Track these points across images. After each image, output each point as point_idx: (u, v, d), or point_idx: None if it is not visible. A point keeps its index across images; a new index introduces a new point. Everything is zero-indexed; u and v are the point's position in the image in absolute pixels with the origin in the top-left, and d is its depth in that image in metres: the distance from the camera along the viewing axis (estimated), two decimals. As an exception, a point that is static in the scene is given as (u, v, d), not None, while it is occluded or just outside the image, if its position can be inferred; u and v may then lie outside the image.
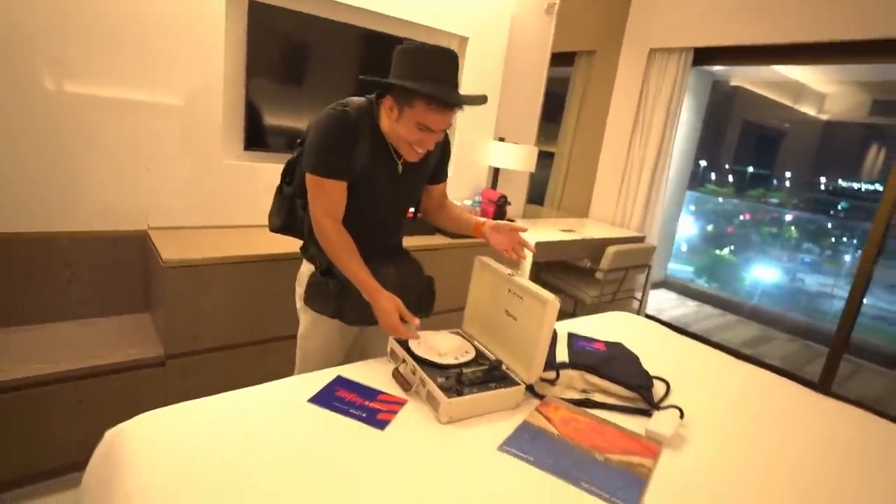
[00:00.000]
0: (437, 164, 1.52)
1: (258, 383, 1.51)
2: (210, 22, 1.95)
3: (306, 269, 1.49)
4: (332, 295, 1.39)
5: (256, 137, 2.21)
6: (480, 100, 1.34)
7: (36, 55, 1.69)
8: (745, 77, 5.14)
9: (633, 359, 1.53)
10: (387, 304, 1.30)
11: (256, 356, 1.98)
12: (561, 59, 3.35)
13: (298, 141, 1.42)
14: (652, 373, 1.47)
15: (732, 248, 6.02)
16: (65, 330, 1.84)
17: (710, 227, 6.12)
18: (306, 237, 1.48)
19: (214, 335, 1.86)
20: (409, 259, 1.57)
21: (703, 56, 3.40)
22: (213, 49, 1.99)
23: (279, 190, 1.51)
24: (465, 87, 2.78)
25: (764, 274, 5.67)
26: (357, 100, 1.33)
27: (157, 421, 1.06)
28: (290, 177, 1.46)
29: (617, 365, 1.45)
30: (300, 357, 1.54)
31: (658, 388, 1.43)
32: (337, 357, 1.54)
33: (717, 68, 4.67)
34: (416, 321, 1.35)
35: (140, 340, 1.84)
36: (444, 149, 1.53)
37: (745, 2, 3.10)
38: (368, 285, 1.32)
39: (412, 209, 1.61)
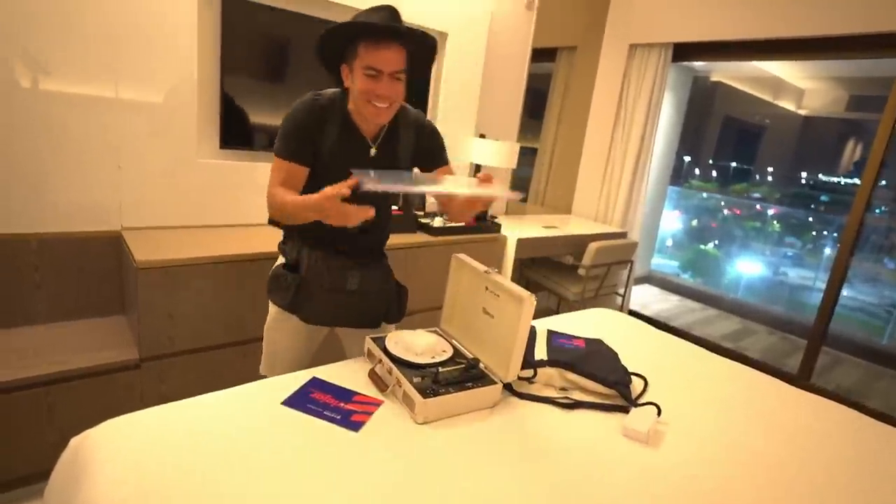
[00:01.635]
0: (424, 150, 1.46)
1: (236, 385, 1.49)
2: (182, 17, 1.91)
3: (277, 262, 1.48)
4: (290, 288, 1.38)
5: (233, 135, 2.17)
6: (420, 34, 1.28)
7: (4, 49, 1.64)
8: (725, 73, 5.18)
9: (612, 355, 1.53)
10: (321, 200, 1.12)
11: (234, 357, 1.95)
12: (542, 54, 3.34)
13: None
14: (631, 369, 1.47)
15: (717, 242, 6.09)
16: (34, 334, 1.80)
17: (694, 223, 6.19)
18: (284, 230, 1.47)
19: (191, 337, 1.83)
20: (380, 265, 1.51)
21: (684, 51, 3.41)
22: (186, 45, 1.94)
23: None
24: (445, 81, 2.77)
25: (747, 268, 5.75)
26: (331, 90, 1.35)
27: (124, 426, 1.03)
28: None
29: (595, 362, 1.45)
30: (266, 350, 1.53)
31: (636, 385, 1.43)
32: (304, 355, 1.53)
33: (697, 64, 4.71)
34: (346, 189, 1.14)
35: (114, 343, 1.80)
36: (424, 132, 1.46)
37: (723, -2, 3.11)
38: (303, 201, 1.18)
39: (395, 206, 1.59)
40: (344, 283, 1.41)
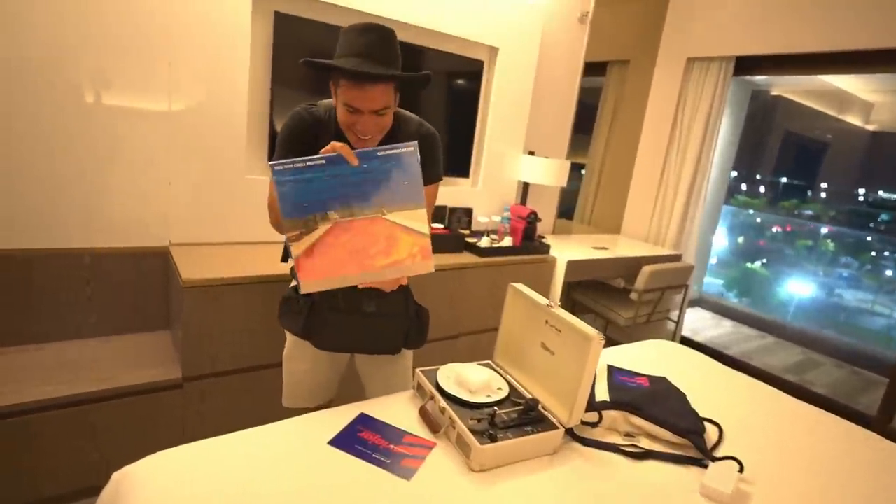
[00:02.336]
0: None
1: (276, 406, 1.44)
2: (236, 33, 1.91)
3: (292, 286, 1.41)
4: (302, 312, 1.30)
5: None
6: (391, 77, 1.15)
7: (66, 67, 1.66)
8: (786, 86, 4.92)
9: (680, 397, 1.40)
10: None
11: (275, 378, 1.89)
12: (592, 68, 3.23)
13: None
14: (700, 413, 1.34)
15: (765, 261, 5.76)
16: (83, 348, 1.80)
17: (740, 240, 5.88)
18: None
19: (233, 357, 1.80)
20: (403, 292, 1.37)
21: (745, 65, 3.23)
22: (240, 60, 1.94)
23: None
24: (494, 97, 2.69)
25: (799, 288, 5.41)
26: (327, 101, 1.29)
27: (165, 463, 0.98)
28: None
29: (662, 404, 1.33)
30: (287, 381, 1.46)
31: (710, 433, 1.30)
32: (327, 383, 1.46)
33: (757, 78, 4.48)
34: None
35: (158, 361, 1.78)
36: (424, 142, 1.33)
37: (789, 8, 2.94)
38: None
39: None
40: (360, 305, 1.30)
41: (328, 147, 1.04)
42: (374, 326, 1.34)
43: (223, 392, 1.80)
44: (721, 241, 5.74)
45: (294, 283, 1.39)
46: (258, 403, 1.88)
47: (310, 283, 1.08)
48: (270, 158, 2.12)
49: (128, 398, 1.63)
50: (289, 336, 1.42)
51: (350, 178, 1.05)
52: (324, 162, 1.03)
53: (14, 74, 1.60)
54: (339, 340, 1.34)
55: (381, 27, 1.17)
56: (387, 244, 1.09)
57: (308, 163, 1.03)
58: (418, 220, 1.10)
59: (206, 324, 1.71)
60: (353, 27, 1.18)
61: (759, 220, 5.82)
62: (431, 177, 1.39)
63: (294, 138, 1.25)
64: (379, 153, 1.05)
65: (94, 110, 1.74)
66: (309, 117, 1.26)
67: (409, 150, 1.06)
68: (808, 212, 5.72)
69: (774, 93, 5.11)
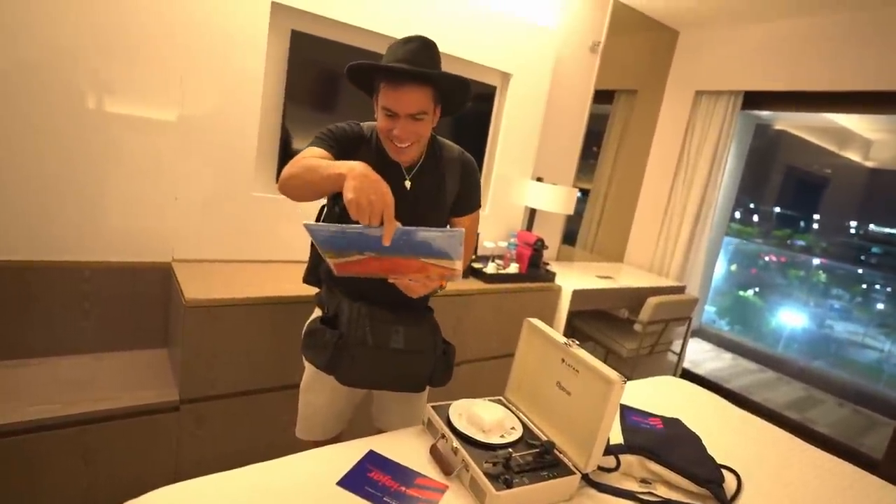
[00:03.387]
0: (458, 190, 1.35)
1: (276, 432, 1.39)
2: (252, 49, 1.89)
3: (314, 315, 1.37)
4: (329, 347, 1.24)
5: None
6: (441, 76, 1.16)
7: (72, 73, 1.64)
8: (790, 121, 4.97)
9: (696, 441, 1.36)
10: (361, 167, 1.02)
11: (275, 403, 1.84)
12: (599, 96, 3.24)
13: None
14: (716, 456, 1.30)
15: (757, 290, 5.76)
16: (79, 364, 1.75)
17: (733, 267, 5.88)
18: (323, 282, 1.38)
19: (233, 380, 1.74)
20: (426, 320, 1.34)
21: (753, 100, 3.26)
22: (254, 76, 1.92)
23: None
24: (505, 122, 2.69)
25: (790, 318, 5.40)
26: (371, 122, 1.29)
27: (169, 499, 0.93)
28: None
29: (678, 449, 1.29)
30: (302, 413, 1.42)
31: (729, 482, 1.25)
32: (343, 415, 1.43)
33: (762, 112, 4.53)
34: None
35: (155, 381, 1.73)
36: (463, 171, 1.35)
37: (797, 47, 2.97)
38: (332, 163, 1.07)
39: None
40: (388, 340, 1.24)
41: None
42: (401, 363, 1.28)
43: (221, 415, 1.75)
44: (715, 268, 5.75)
45: (318, 313, 1.36)
46: (257, 428, 1.82)
47: (343, 274, 1.14)
48: (279, 176, 2.10)
49: (124, 420, 1.58)
50: (309, 367, 1.37)
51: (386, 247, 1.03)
52: (360, 232, 1.00)
53: (15, 82, 1.57)
54: (365, 376, 1.28)
55: (423, 38, 1.18)
56: (419, 271, 1.14)
57: (346, 230, 1.01)
58: (443, 264, 1.12)
59: (207, 344, 1.66)
60: (398, 40, 1.20)
61: (752, 248, 5.84)
62: (473, 206, 1.41)
63: (343, 136, 1.23)
64: (419, 235, 1.02)
65: (100, 121, 1.71)
66: (356, 129, 1.27)
67: (455, 236, 1.04)
68: (801, 243, 5.75)
69: (777, 127, 5.16)
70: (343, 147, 1.22)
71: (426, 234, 1.02)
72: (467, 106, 1.29)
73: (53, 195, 1.68)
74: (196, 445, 1.72)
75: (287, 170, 1.14)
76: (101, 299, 1.81)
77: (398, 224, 1.00)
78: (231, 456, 1.75)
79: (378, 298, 1.26)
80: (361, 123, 1.30)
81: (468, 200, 1.38)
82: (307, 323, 1.35)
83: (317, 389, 1.38)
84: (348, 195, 0.97)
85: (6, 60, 1.54)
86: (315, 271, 1.41)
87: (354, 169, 1.01)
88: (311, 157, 1.13)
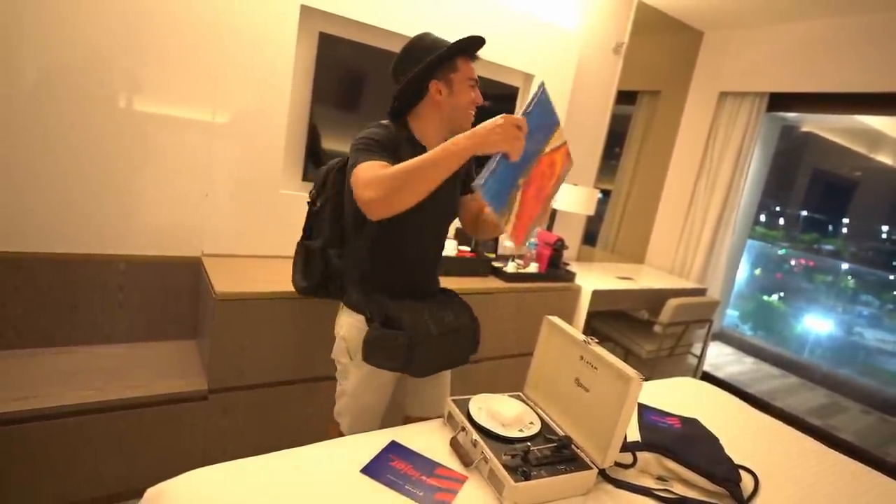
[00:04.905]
0: (467, 169, 1.43)
1: (301, 422, 1.43)
2: (282, 50, 1.95)
3: (349, 320, 1.38)
4: (402, 347, 1.27)
5: (316, 168, 2.18)
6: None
7: (109, 76, 1.71)
8: (818, 123, 4.88)
9: (713, 441, 1.37)
10: (494, 123, 1.09)
11: (300, 395, 1.90)
12: (621, 96, 3.23)
13: (311, 192, 1.48)
14: (733, 457, 1.30)
15: (782, 294, 5.64)
16: (112, 354, 1.82)
17: (757, 271, 5.77)
18: (348, 285, 1.42)
19: (259, 371, 1.80)
20: (456, 297, 1.50)
21: (778, 102, 3.22)
22: (283, 77, 1.98)
23: (303, 248, 1.53)
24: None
25: (816, 324, 5.28)
26: (385, 123, 1.35)
27: (199, 481, 0.98)
28: (310, 230, 1.52)
29: (696, 448, 1.30)
30: (352, 414, 1.42)
31: (746, 482, 1.26)
32: (385, 406, 1.47)
33: (788, 114, 4.45)
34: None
35: (185, 371, 1.79)
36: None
37: (824, 48, 2.92)
38: (451, 152, 1.09)
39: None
40: (444, 325, 1.35)
41: (497, 118, 1.10)
42: (457, 341, 1.40)
43: (247, 405, 1.81)
44: (738, 272, 5.67)
45: (358, 317, 1.36)
46: (282, 418, 1.88)
47: (521, 243, 1.24)
48: (305, 173, 2.16)
49: (155, 407, 1.64)
50: (360, 371, 1.37)
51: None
52: (500, 155, 1.09)
53: (55, 84, 1.64)
54: (433, 364, 1.38)
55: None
56: (551, 169, 1.31)
57: (493, 163, 1.08)
58: (558, 138, 1.33)
59: (235, 336, 1.72)
60: (422, 36, 1.35)
61: (779, 252, 5.72)
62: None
63: (386, 141, 1.27)
64: (525, 110, 1.16)
65: (135, 120, 1.78)
66: (386, 132, 1.29)
67: (540, 90, 1.22)
68: (828, 247, 5.62)
69: (805, 129, 5.06)
70: (389, 151, 1.25)
71: (527, 103, 1.18)
72: None
73: (90, 192, 1.76)
74: (223, 434, 1.79)
75: (382, 186, 1.09)
76: (134, 291, 1.88)
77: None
78: (256, 444, 1.80)
79: (417, 291, 1.38)
80: (381, 123, 1.33)
81: (470, 178, 1.44)
82: (367, 333, 1.31)
83: (373, 389, 1.39)
84: (503, 147, 1.08)
85: (47, 63, 1.62)
86: (319, 276, 1.50)
87: (476, 134, 1.09)
88: (407, 164, 1.10)
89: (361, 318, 1.36)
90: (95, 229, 1.79)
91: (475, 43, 1.30)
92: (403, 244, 1.35)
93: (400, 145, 1.29)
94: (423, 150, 1.27)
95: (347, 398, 1.42)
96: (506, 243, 2.64)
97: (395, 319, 1.30)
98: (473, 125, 1.14)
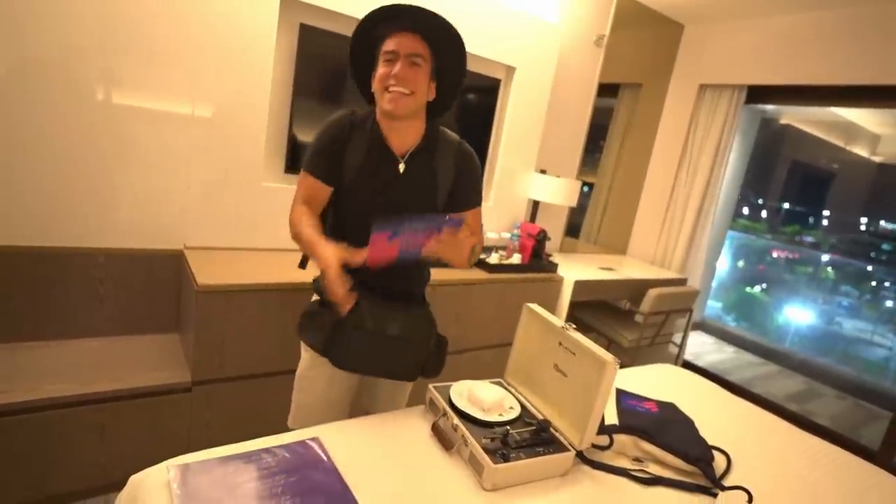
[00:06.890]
0: (461, 185, 1.35)
1: (283, 414, 1.43)
2: (262, 42, 1.94)
3: (313, 300, 1.41)
4: (326, 327, 1.26)
5: (297, 160, 2.18)
6: (434, 15, 1.21)
7: (87, 68, 1.69)
8: (795, 116, 4.97)
9: (689, 424, 1.41)
10: (327, 252, 1.13)
11: (282, 386, 1.89)
12: (603, 89, 3.27)
13: None
14: (708, 440, 1.35)
15: (764, 286, 5.75)
16: (93, 347, 1.81)
17: (740, 263, 5.87)
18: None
19: (241, 363, 1.80)
20: (423, 311, 1.39)
21: (757, 94, 3.27)
22: (263, 69, 1.97)
23: None
24: (509, 115, 2.73)
25: (798, 315, 5.40)
26: (367, 110, 1.33)
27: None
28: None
29: (672, 431, 1.34)
30: (297, 402, 1.40)
31: (719, 462, 1.30)
32: (340, 406, 1.40)
33: (767, 106, 4.53)
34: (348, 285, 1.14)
35: (168, 363, 1.79)
36: (459, 160, 1.35)
37: (801, 41, 2.98)
38: (313, 248, 1.18)
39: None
40: (386, 326, 1.26)
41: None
42: (396, 351, 1.29)
43: (229, 398, 1.81)
44: (721, 264, 5.76)
45: (316, 297, 1.39)
46: (264, 410, 1.88)
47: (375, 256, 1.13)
48: (294, 165, 2.15)
49: (138, 399, 1.64)
50: (305, 354, 1.38)
51: None
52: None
53: (31, 79, 1.62)
54: (359, 361, 1.29)
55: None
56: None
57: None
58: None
59: (218, 328, 1.72)
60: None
61: (760, 244, 5.83)
62: (470, 202, 1.39)
63: (332, 139, 1.28)
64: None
65: (114, 114, 1.76)
66: (348, 119, 1.30)
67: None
68: (809, 239, 5.73)
69: (783, 121, 5.16)
70: (330, 157, 1.27)
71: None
72: (462, 82, 1.33)
73: (69, 185, 1.74)
74: (207, 425, 1.79)
75: (291, 226, 1.28)
76: (115, 285, 1.87)
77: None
78: (240, 435, 1.80)
79: (378, 286, 1.27)
80: (353, 110, 1.32)
81: (464, 195, 1.37)
82: (307, 306, 1.37)
83: (313, 377, 1.36)
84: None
85: (22, 56, 1.59)
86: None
87: (318, 256, 1.16)
88: (302, 229, 1.23)
89: (319, 299, 1.37)
90: (74, 223, 1.78)
91: (387, 13, 1.22)
92: (354, 242, 1.20)
93: (358, 134, 1.28)
94: (378, 133, 1.28)
95: (297, 382, 1.41)
96: (489, 234, 2.66)
97: (334, 304, 1.24)
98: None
